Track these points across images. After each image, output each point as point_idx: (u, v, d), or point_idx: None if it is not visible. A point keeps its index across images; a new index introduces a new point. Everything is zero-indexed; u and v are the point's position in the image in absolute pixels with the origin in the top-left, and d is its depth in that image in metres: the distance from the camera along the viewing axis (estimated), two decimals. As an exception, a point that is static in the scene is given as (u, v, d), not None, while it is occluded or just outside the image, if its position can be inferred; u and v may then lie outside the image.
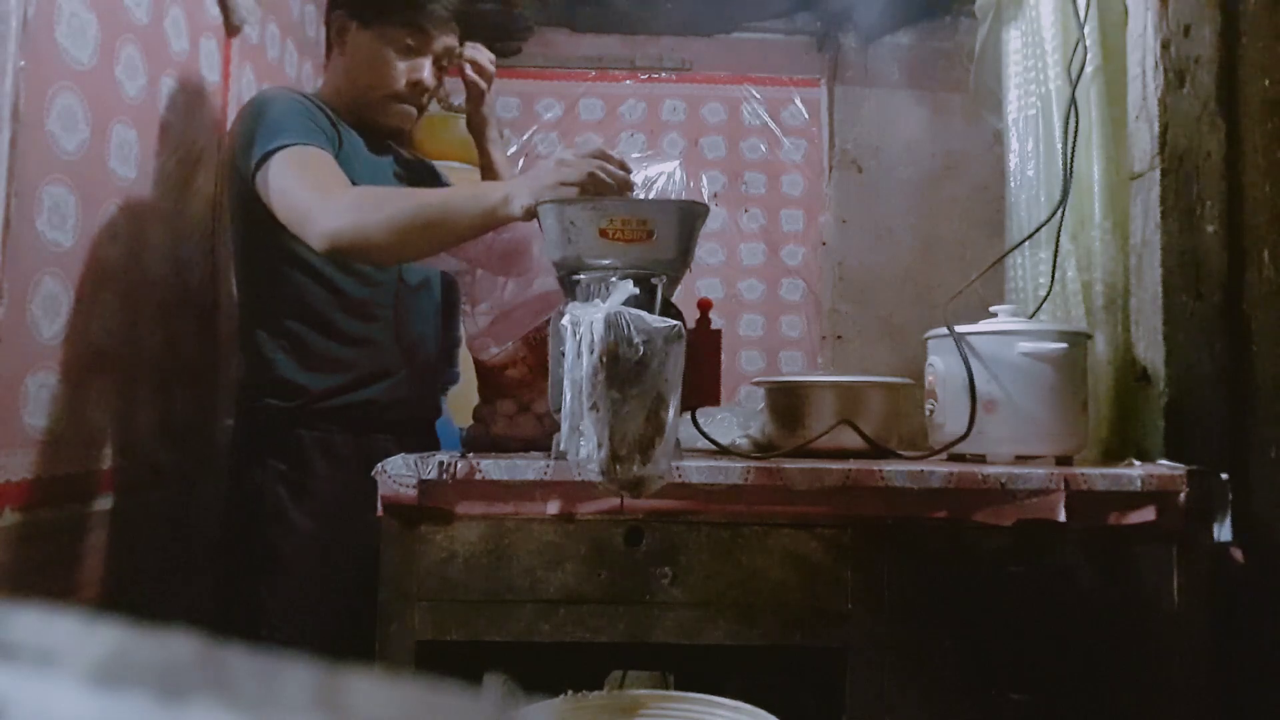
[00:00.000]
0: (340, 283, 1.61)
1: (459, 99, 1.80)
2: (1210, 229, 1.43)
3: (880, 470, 1.28)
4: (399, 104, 1.68)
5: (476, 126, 1.80)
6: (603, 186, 1.33)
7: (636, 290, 1.21)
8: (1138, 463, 1.44)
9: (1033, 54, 1.83)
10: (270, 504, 1.57)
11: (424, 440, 1.71)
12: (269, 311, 1.63)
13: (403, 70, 1.65)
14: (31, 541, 1.32)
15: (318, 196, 1.44)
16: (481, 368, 1.54)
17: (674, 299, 1.35)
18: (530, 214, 1.32)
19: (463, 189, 1.56)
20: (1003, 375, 1.43)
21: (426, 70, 1.67)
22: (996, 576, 1.29)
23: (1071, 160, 1.63)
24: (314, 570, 1.56)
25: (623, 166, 1.37)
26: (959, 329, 1.47)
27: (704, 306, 1.40)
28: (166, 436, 1.68)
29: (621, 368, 1.12)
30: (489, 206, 1.35)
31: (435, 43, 1.66)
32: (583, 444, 1.15)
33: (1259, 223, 1.36)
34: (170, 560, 1.68)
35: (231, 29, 1.91)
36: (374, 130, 1.70)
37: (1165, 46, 1.53)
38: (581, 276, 1.27)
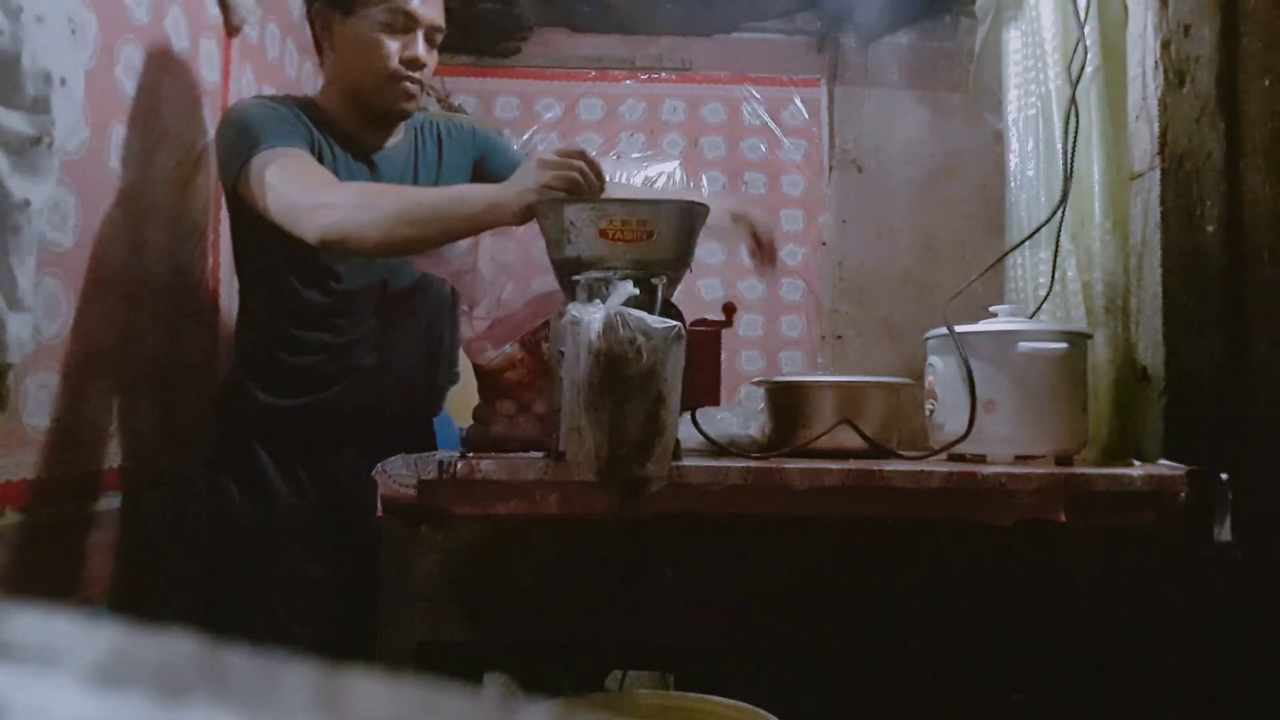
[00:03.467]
0: (322, 287, 1.61)
1: (459, 99, 1.79)
2: (1210, 229, 1.43)
3: (880, 470, 1.28)
4: (398, 84, 1.65)
5: None
6: (581, 188, 1.33)
7: (636, 290, 1.21)
8: (1138, 463, 1.44)
9: (1033, 54, 1.83)
10: (224, 504, 1.59)
11: (415, 441, 1.70)
12: (255, 315, 1.66)
13: (395, 49, 1.62)
14: (32, 541, 1.32)
15: (310, 191, 1.45)
16: (480, 371, 1.54)
17: (674, 299, 1.35)
18: (521, 218, 1.33)
19: (454, 190, 1.56)
20: (1003, 375, 1.43)
21: (420, 45, 1.64)
22: (996, 576, 1.29)
23: (1071, 160, 1.63)
24: (259, 572, 1.57)
25: (599, 171, 1.37)
26: (959, 329, 1.47)
27: (729, 311, 1.39)
28: (166, 436, 1.68)
29: (621, 368, 1.12)
30: (475, 211, 1.37)
31: (419, 17, 1.63)
32: (582, 444, 1.15)
33: (1259, 223, 1.36)
34: (170, 560, 1.68)
35: (231, 29, 1.91)
36: (377, 117, 1.69)
37: (1165, 46, 1.53)
38: (581, 276, 1.27)
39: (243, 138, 1.53)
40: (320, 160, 1.58)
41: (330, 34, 1.66)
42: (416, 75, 1.65)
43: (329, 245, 1.45)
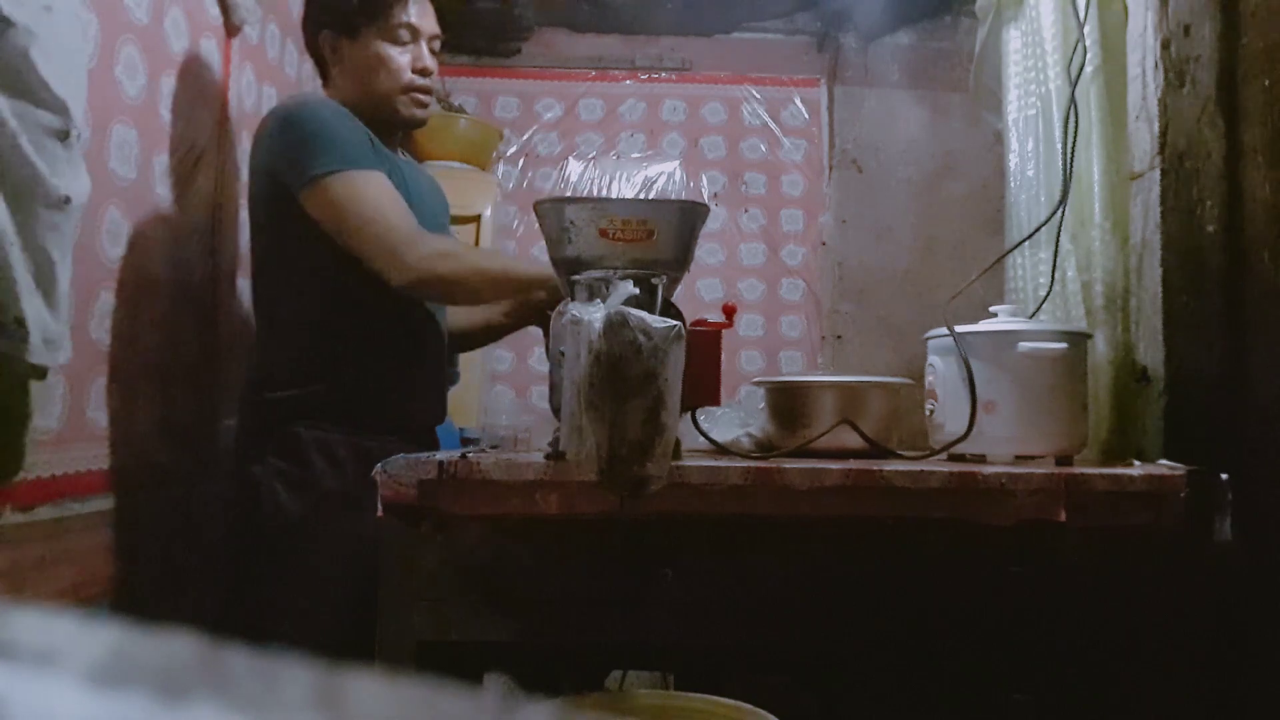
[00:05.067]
0: (355, 290, 1.61)
1: (459, 99, 1.81)
2: (1210, 229, 1.43)
3: (880, 470, 1.28)
4: (412, 94, 1.73)
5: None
6: None
7: (636, 290, 1.21)
8: (1138, 463, 1.44)
9: (1033, 54, 1.83)
10: (268, 500, 1.57)
11: (425, 443, 1.71)
12: (283, 312, 1.65)
13: (406, 62, 1.71)
14: (31, 541, 1.32)
15: (405, 233, 1.53)
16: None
17: (674, 299, 1.35)
18: (550, 297, 1.55)
19: (507, 258, 1.72)
20: (1003, 375, 1.43)
21: (427, 55, 1.73)
22: (996, 576, 1.29)
23: (1071, 160, 1.63)
24: (311, 567, 1.56)
25: None
26: (959, 329, 1.47)
27: (729, 311, 1.40)
28: (166, 436, 1.68)
29: (621, 368, 1.12)
30: (522, 281, 1.63)
31: (420, 28, 1.72)
32: (583, 444, 1.15)
33: (1259, 223, 1.36)
34: (170, 560, 1.68)
35: (231, 29, 1.91)
36: (392, 128, 1.75)
37: (1165, 46, 1.53)
38: (581, 276, 1.27)
39: (322, 147, 1.55)
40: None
41: (339, 56, 1.72)
42: (428, 83, 1.74)
43: (420, 287, 1.54)
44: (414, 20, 1.71)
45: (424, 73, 1.72)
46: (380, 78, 1.70)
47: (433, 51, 1.76)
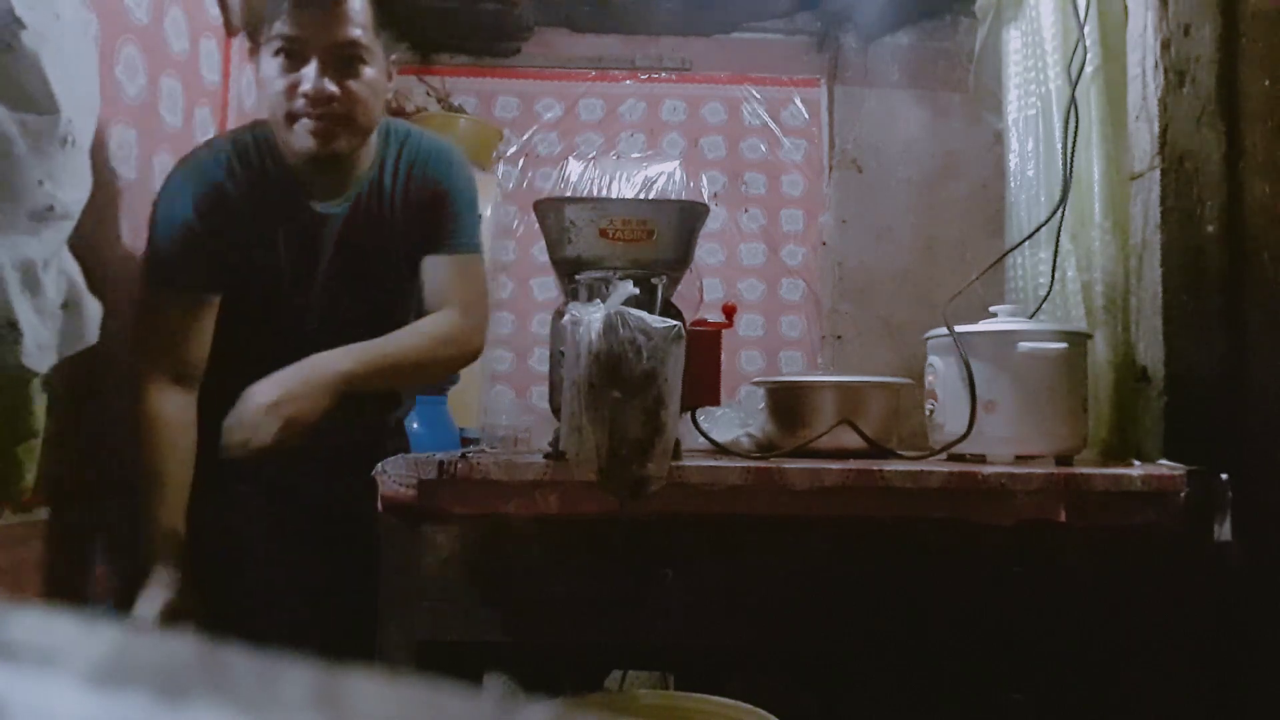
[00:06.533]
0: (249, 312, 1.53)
1: (459, 99, 1.78)
2: (1210, 229, 1.43)
3: (880, 470, 1.28)
4: (295, 124, 1.38)
5: None
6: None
7: (636, 290, 1.21)
8: (1138, 463, 1.44)
9: (1033, 54, 1.83)
10: (237, 507, 1.54)
11: (384, 442, 1.65)
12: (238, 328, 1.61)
13: (285, 87, 1.36)
14: (32, 541, 1.32)
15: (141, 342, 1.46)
16: None
17: (673, 299, 1.35)
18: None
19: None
20: (1003, 375, 1.43)
21: (314, 77, 1.35)
22: (996, 576, 1.29)
23: (1071, 160, 1.63)
24: (277, 569, 1.54)
25: None
26: (959, 329, 1.47)
27: (729, 311, 1.40)
28: (166, 436, 1.67)
29: (621, 368, 1.12)
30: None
31: (310, 40, 1.36)
32: (583, 444, 1.15)
33: (1259, 223, 1.36)
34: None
35: (231, 29, 1.91)
36: (315, 164, 1.42)
37: (1165, 46, 1.53)
38: (581, 276, 1.27)
39: (155, 219, 1.46)
40: (239, 212, 1.45)
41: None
42: (321, 111, 1.36)
43: None
44: (297, 32, 1.34)
45: (308, 99, 1.35)
46: (266, 108, 1.41)
47: (352, 60, 1.37)
